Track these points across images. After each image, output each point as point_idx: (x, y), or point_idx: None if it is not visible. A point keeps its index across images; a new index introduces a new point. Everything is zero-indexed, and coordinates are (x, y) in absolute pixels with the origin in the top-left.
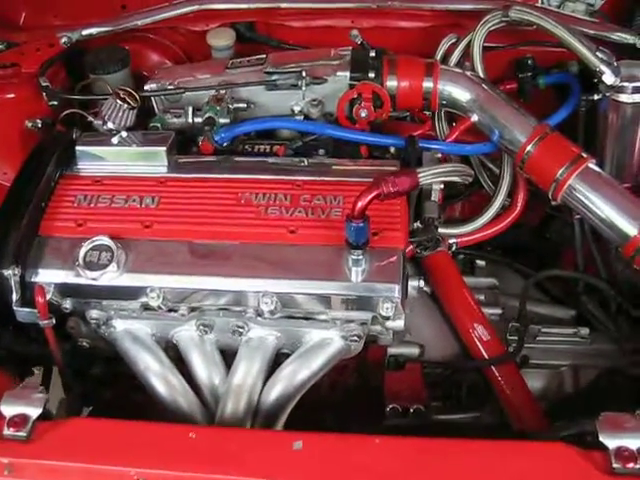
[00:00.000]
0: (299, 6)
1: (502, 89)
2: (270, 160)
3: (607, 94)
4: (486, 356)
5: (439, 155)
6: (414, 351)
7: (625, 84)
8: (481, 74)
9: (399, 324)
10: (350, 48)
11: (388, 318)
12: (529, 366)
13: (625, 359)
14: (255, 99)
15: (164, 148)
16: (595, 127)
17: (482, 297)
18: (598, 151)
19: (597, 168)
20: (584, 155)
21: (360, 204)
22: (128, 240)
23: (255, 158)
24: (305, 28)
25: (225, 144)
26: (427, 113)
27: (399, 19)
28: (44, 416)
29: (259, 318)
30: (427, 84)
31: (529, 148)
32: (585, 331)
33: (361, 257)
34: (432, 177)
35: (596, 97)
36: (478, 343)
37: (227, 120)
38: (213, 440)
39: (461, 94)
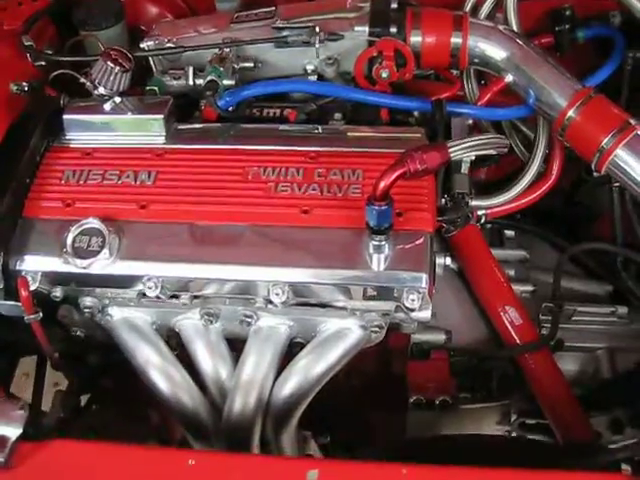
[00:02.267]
0: None
1: (537, 44)
2: (280, 127)
3: None
4: (518, 341)
5: (469, 121)
6: (440, 338)
7: None
8: (516, 28)
9: (426, 315)
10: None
11: (414, 309)
12: (563, 349)
13: None
14: (263, 57)
15: (161, 116)
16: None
17: (512, 272)
18: None
19: None
20: (632, 122)
21: (383, 184)
22: (121, 222)
23: (263, 125)
24: None
25: (230, 109)
26: (455, 72)
27: None
28: (25, 436)
29: (270, 306)
30: (455, 39)
31: (570, 113)
32: (623, 310)
33: (384, 243)
34: (464, 151)
35: None
36: (509, 327)
37: (232, 82)
38: (214, 469)
39: (494, 51)
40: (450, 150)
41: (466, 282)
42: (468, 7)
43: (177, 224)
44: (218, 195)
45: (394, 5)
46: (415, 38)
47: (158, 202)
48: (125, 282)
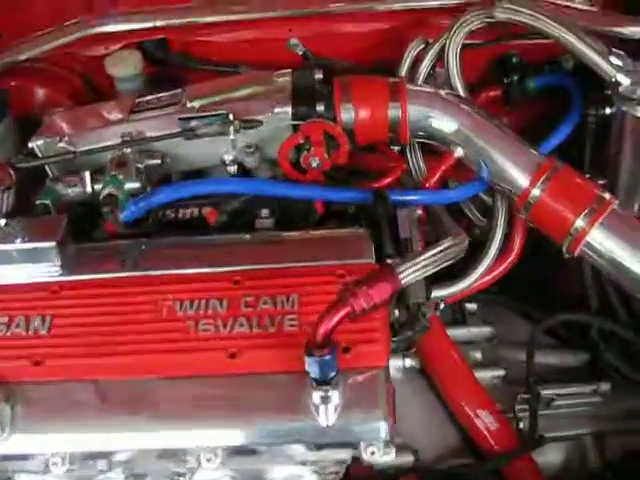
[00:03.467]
0: (222, 19)
1: (484, 97)
2: (196, 240)
3: (624, 108)
4: (496, 448)
5: (419, 211)
6: (407, 459)
7: None
8: (461, 90)
9: (389, 457)
10: (290, 71)
11: (374, 458)
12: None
13: None
14: (173, 151)
15: (54, 243)
16: (602, 145)
17: (479, 355)
18: (609, 174)
19: (622, 211)
20: (606, 196)
21: (323, 330)
22: (13, 385)
23: (178, 239)
24: (232, 42)
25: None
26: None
27: (349, 21)
28: None
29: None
30: (393, 112)
31: (534, 191)
32: (606, 387)
33: (330, 393)
34: (419, 272)
35: (608, 111)
36: (485, 434)
37: (137, 184)
38: None
39: (439, 122)
40: (401, 276)
41: (429, 380)
42: (404, 68)
43: (79, 382)
44: (126, 342)
45: (318, 76)
46: (346, 114)
47: (55, 356)
48: (27, 457)
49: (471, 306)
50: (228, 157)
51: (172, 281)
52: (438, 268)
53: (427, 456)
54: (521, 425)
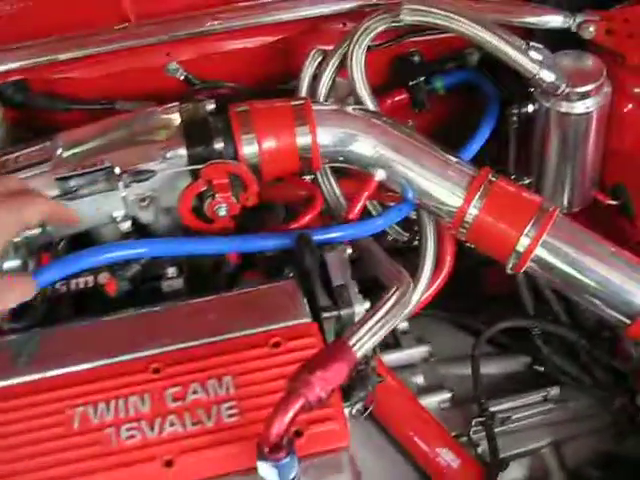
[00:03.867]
0: (86, 53)
1: (391, 103)
2: (98, 321)
3: (547, 104)
4: None
5: (349, 250)
6: None
7: (576, 89)
8: (370, 104)
9: None
10: (176, 105)
11: None
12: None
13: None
14: None
15: None
16: (524, 143)
17: (420, 379)
18: (534, 172)
19: (565, 219)
20: (548, 206)
21: (275, 431)
22: None
23: (73, 326)
24: (103, 76)
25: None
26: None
27: (234, 37)
28: None
29: None
30: (302, 138)
31: (471, 210)
32: (556, 391)
33: None
34: (374, 339)
35: (531, 108)
36: (448, 473)
37: (17, 262)
38: None
39: (354, 144)
40: (356, 348)
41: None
42: (305, 85)
43: None
44: (35, 468)
45: (210, 106)
46: (249, 148)
47: None
48: None
49: (402, 325)
50: (119, 214)
51: (79, 380)
52: (393, 326)
53: None
54: (479, 450)
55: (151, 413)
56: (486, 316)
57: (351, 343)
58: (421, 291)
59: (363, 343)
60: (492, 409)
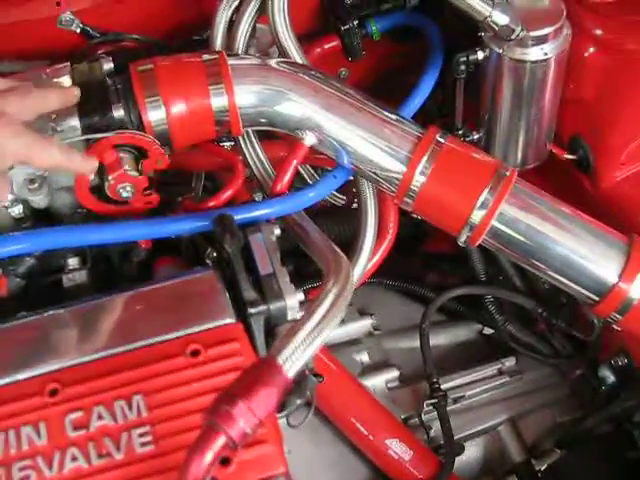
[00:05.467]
0: None
1: (321, 52)
2: None
3: (499, 50)
4: (417, 476)
5: (277, 231)
6: None
7: (532, 33)
8: (297, 56)
9: None
10: (67, 65)
11: None
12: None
13: None
14: None
15: None
16: (472, 95)
17: (365, 357)
18: (483, 126)
19: (523, 184)
20: (505, 170)
21: (191, 477)
22: None
23: None
24: None
25: None
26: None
27: None
28: None
29: None
30: (217, 99)
31: (417, 177)
32: (511, 362)
33: None
34: (310, 350)
35: (481, 55)
36: (401, 467)
37: None
38: None
39: (279, 104)
40: (287, 366)
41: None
42: (219, 36)
43: None
44: None
45: (108, 65)
46: (155, 114)
47: None
48: None
49: None
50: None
51: None
52: (334, 329)
53: None
54: (432, 433)
55: (49, 446)
56: (434, 279)
57: (281, 361)
58: (363, 265)
59: (296, 359)
60: (444, 386)
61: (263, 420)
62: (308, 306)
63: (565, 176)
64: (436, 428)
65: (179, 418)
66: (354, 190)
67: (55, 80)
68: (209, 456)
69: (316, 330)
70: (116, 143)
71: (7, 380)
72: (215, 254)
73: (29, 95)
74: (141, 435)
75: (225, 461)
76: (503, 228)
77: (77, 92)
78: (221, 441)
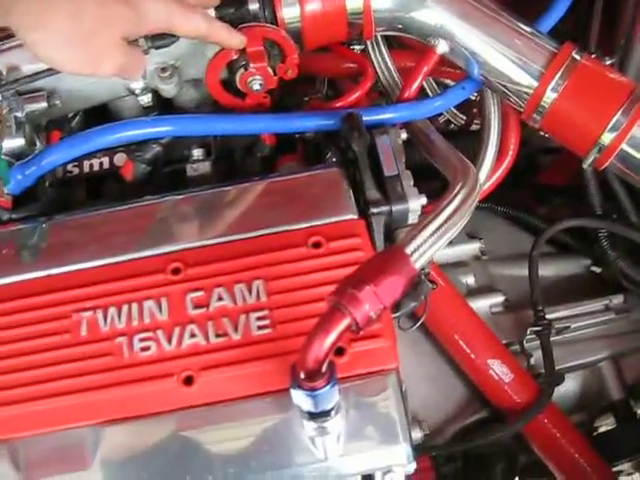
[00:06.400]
0: None
1: None
2: (113, 210)
3: None
4: (513, 402)
5: (403, 135)
6: (415, 436)
7: None
8: None
9: (410, 469)
10: None
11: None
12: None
13: None
14: (62, 86)
15: None
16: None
17: (470, 279)
18: (618, 50)
19: None
20: None
21: (313, 356)
22: None
23: (84, 215)
24: None
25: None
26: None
27: None
28: None
29: None
30: (352, 2)
31: (548, 93)
32: (619, 300)
33: (328, 424)
34: (436, 246)
35: None
36: (499, 388)
37: (19, 141)
38: None
39: (415, 10)
40: (414, 257)
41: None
42: None
43: None
44: (34, 380)
45: None
46: (290, 10)
47: None
48: None
49: None
50: (137, 85)
51: (88, 280)
52: (459, 230)
53: (434, 421)
54: (532, 361)
55: (169, 321)
56: (546, 210)
57: (409, 251)
58: (484, 176)
59: (423, 252)
60: (548, 317)
61: (387, 307)
62: (437, 204)
63: None
64: (537, 357)
65: (297, 306)
66: (474, 111)
67: None
68: (332, 336)
69: (445, 226)
70: (265, 36)
71: (132, 256)
72: (339, 154)
73: None
74: (259, 319)
75: (340, 351)
76: (633, 152)
77: None
78: (345, 322)
